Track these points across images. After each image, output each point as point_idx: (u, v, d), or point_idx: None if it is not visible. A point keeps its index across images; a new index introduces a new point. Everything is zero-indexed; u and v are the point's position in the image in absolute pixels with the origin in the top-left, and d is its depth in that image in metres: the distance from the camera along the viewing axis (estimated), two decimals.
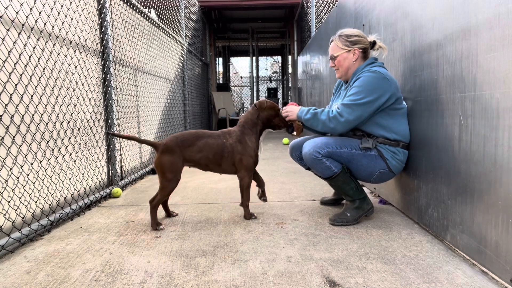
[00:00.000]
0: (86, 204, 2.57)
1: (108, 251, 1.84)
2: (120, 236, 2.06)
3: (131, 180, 3.49)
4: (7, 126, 1.89)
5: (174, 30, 6.00)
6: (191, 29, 7.68)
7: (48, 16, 2.27)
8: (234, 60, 19.14)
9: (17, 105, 1.96)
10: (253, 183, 2.59)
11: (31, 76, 2.10)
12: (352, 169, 2.18)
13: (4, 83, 1.87)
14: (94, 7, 2.95)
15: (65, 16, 2.49)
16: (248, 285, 1.46)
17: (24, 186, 2.02)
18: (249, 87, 13.13)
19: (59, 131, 2.38)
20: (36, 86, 2.14)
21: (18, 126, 1.97)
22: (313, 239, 1.94)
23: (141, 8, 4.00)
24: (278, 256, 1.73)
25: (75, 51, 2.61)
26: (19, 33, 2.00)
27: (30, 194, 2.07)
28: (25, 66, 2.04)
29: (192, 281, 1.50)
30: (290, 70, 12.92)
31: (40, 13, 2.18)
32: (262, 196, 2.40)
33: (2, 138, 1.84)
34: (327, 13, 5.82)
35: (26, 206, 2.04)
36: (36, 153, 2.11)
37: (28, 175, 2.06)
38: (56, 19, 2.37)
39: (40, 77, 2.18)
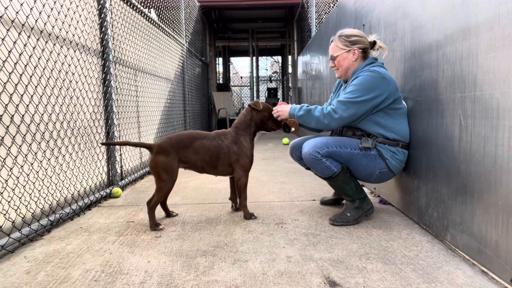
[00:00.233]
0: (86, 204, 2.57)
1: (108, 251, 1.84)
2: (120, 236, 2.06)
3: (131, 180, 3.49)
4: (7, 126, 1.89)
5: (174, 30, 6.00)
6: (191, 29, 7.68)
7: (48, 16, 2.27)
8: (234, 60, 19.15)
9: (17, 105, 1.96)
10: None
11: (31, 76, 2.10)
12: (351, 169, 2.18)
13: (4, 83, 1.87)
14: (94, 7, 2.95)
15: (65, 16, 2.50)
16: (248, 285, 1.46)
17: (24, 186, 2.02)
18: (249, 87, 13.14)
19: (59, 131, 2.38)
20: (36, 86, 2.14)
21: (18, 126, 1.97)
22: (313, 239, 1.94)
23: (141, 8, 4.00)
24: (278, 256, 1.73)
25: (75, 51, 2.61)
26: (19, 33, 2.00)
27: (30, 194, 2.07)
28: (25, 66, 2.04)
29: (192, 281, 1.50)
30: (290, 70, 12.92)
31: (40, 13, 2.18)
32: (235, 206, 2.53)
33: (2, 138, 1.84)
34: (327, 13, 5.83)
35: (26, 206, 2.04)
36: (36, 153, 2.11)
37: (28, 175, 2.06)
38: (56, 19, 2.37)
39: (40, 77, 2.18)
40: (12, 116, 1.92)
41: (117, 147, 3.21)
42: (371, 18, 2.84)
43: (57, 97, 2.37)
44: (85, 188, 2.69)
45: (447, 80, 1.74)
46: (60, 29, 2.43)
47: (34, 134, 2.12)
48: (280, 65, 17.28)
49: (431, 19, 1.88)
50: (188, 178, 3.76)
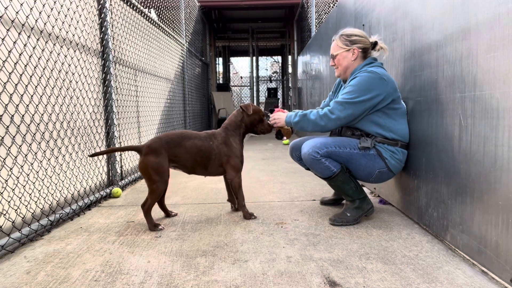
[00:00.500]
0: (86, 204, 2.57)
1: (108, 251, 1.84)
2: (120, 236, 2.06)
3: (131, 180, 3.49)
4: (7, 126, 1.89)
5: (174, 30, 6.00)
6: (191, 29, 7.68)
7: (48, 16, 2.27)
8: (234, 60, 19.14)
9: (17, 105, 1.96)
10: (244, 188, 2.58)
11: (31, 76, 2.10)
12: (351, 169, 2.18)
13: (4, 83, 1.87)
14: (94, 7, 2.95)
15: (65, 16, 2.50)
16: (248, 285, 1.46)
17: (24, 186, 2.02)
18: (249, 87, 13.13)
19: (59, 131, 2.38)
20: (36, 86, 2.14)
21: (18, 126, 1.97)
22: (313, 239, 1.94)
23: (141, 8, 4.00)
24: (278, 256, 1.73)
25: (75, 51, 2.61)
26: (19, 33, 2.00)
27: (30, 194, 2.07)
28: (25, 66, 2.04)
29: (192, 281, 1.50)
30: (290, 70, 12.92)
31: (40, 13, 2.18)
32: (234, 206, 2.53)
33: (2, 138, 1.84)
34: (327, 13, 5.83)
35: (26, 206, 2.04)
36: (36, 153, 2.11)
37: (28, 175, 2.06)
38: (56, 19, 2.37)
39: (40, 77, 2.18)
40: (12, 116, 1.92)
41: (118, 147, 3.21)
42: (371, 18, 2.84)
43: (57, 97, 2.37)
44: (85, 188, 2.69)
45: (447, 80, 1.74)
46: (60, 29, 2.43)
47: (34, 134, 2.12)
48: (280, 65, 17.28)
49: (431, 19, 1.88)
50: (188, 178, 3.76)
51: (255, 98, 12.48)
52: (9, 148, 1.88)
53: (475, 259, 1.57)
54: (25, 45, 2.04)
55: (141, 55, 4.07)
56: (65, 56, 2.48)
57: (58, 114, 2.37)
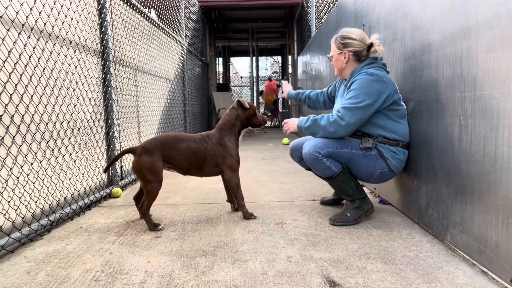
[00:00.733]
0: (86, 204, 2.57)
1: (108, 251, 1.84)
2: (120, 236, 2.06)
3: (131, 180, 3.50)
4: (7, 126, 1.89)
5: (174, 30, 6.00)
6: (191, 29, 7.68)
7: (48, 16, 2.27)
8: (234, 60, 19.15)
9: (17, 105, 1.96)
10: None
11: (31, 76, 2.10)
12: (352, 169, 2.18)
13: (4, 83, 1.87)
14: (94, 7, 2.95)
15: (65, 16, 2.50)
16: (248, 285, 1.46)
17: (24, 186, 2.02)
18: (249, 87, 13.13)
19: (59, 131, 2.38)
20: (36, 86, 2.14)
21: (18, 126, 1.97)
22: (313, 239, 1.94)
23: (141, 8, 4.00)
24: (278, 256, 1.73)
25: (75, 51, 2.61)
26: (19, 33, 2.00)
27: (30, 194, 2.07)
28: (25, 66, 2.04)
29: (192, 281, 1.50)
30: (290, 70, 12.92)
31: (40, 13, 2.18)
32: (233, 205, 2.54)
33: (2, 138, 1.84)
34: (327, 13, 5.83)
35: (26, 206, 2.04)
36: (36, 153, 2.11)
37: (28, 175, 2.06)
38: (56, 19, 2.37)
39: (40, 77, 2.18)
40: (12, 116, 1.92)
41: (117, 147, 3.21)
42: (371, 18, 2.84)
43: (57, 97, 2.37)
44: (85, 188, 2.69)
45: (447, 80, 1.74)
46: (60, 29, 2.43)
47: (34, 134, 2.12)
48: (280, 65, 17.28)
49: (431, 19, 1.88)
50: (188, 178, 3.76)
51: (255, 98, 12.48)
52: (9, 148, 1.88)
53: (475, 259, 1.57)
54: (25, 45, 2.04)
55: (141, 55, 4.07)
56: (65, 56, 2.48)
57: (58, 114, 2.37)
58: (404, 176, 2.25)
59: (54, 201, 2.31)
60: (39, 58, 2.17)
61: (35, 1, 2.14)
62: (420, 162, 2.03)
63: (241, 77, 19.54)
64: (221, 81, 14.55)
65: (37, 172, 2.15)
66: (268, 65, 20.05)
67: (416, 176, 2.09)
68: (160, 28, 4.87)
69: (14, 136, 1.93)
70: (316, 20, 6.97)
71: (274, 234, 2.03)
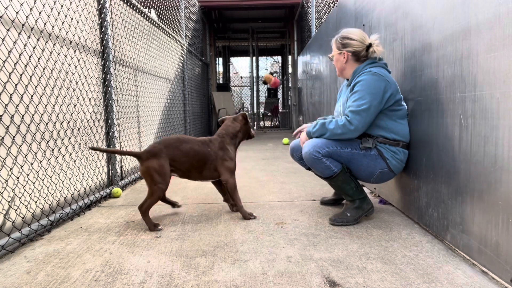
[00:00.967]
0: (86, 204, 2.57)
1: (108, 251, 1.84)
2: (120, 236, 2.06)
3: (131, 180, 3.49)
4: (7, 126, 1.89)
5: (174, 30, 6.00)
6: (191, 29, 7.68)
7: (48, 16, 2.27)
8: (234, 60, 19.15)
9: (17, 105, 1.96)
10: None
11: (31, 76, 2.10)
12: (352, 169, 2.18)
13: (4, 83, 1.87)
14: (94, 7, 2.95)
15: (65, 16, 2.50)
16: (248, 285, 1.46)
17: (24, 186, 2.02)
18: (249, 87, 13.13)
19: (59, 131, 2.38)
20: (36, 86, 2.14)
21: (18, 126, 1.97)
22: (313, 239, 1.94)
23: (141, 8, 4.00)
24: (278, 256, 1.73)
25: (75, 51, 2.61)
26: (19, 33, 2.00)
27: (30, 194, 2.07)
28: (25, 66, 2.04)
29: (192, 281, 1.50)
30: (290, 70, 12.92)
31: (40, 13, 2.18)
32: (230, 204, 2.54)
33: (2, 138, 1.84)
34: (328, 13, 5.83)
35: (26, 206, 2.04)
36: (36, 153, 2.11)
37: (28, 175, 2.06)
38: (56, 19, 2.37)
39: (40, 77, 2.18)
40: (12, 116, 1.92)
41: (118, 147, 3.21)
42: (371, 18, 2.84)
43: (57, 97, 2.37)
44: (85, 188, 2.69)
45: (447, 80, 1.74)
46: (60, 29, 2.43)
47: (34, 134, 2.12)
48: (280, 65, 17.28)
49: (431, 19, 1.88)
50: None
51: (255, 98, 12.48)
52: (9, 148, 1.88)
53: (475, 259, 1.57)
54: (25, 45, 2.04)
55: (141, 55, 4.07)
56: (65, 56, 2.48)
57: (58, 114, 2.37)
58: (404, 176, 2.25)
59: (54, 201, 2.31)
60: (39, 58, 2.17)
61: (35, 1, 2.14)
62: (420, 162, 2.03)
63: (241, 77, 19.54)
64: (221, 81, 14.55)
65: (37, 172, 2.14)
66: (268, 65, 20.06)
67: (416, 176, 2.09)
68: (160, 28, 4.87)
69: (14, 136, 1.93)
70: (316, 20, 6.97)
71: (274, 234, 2.03)
